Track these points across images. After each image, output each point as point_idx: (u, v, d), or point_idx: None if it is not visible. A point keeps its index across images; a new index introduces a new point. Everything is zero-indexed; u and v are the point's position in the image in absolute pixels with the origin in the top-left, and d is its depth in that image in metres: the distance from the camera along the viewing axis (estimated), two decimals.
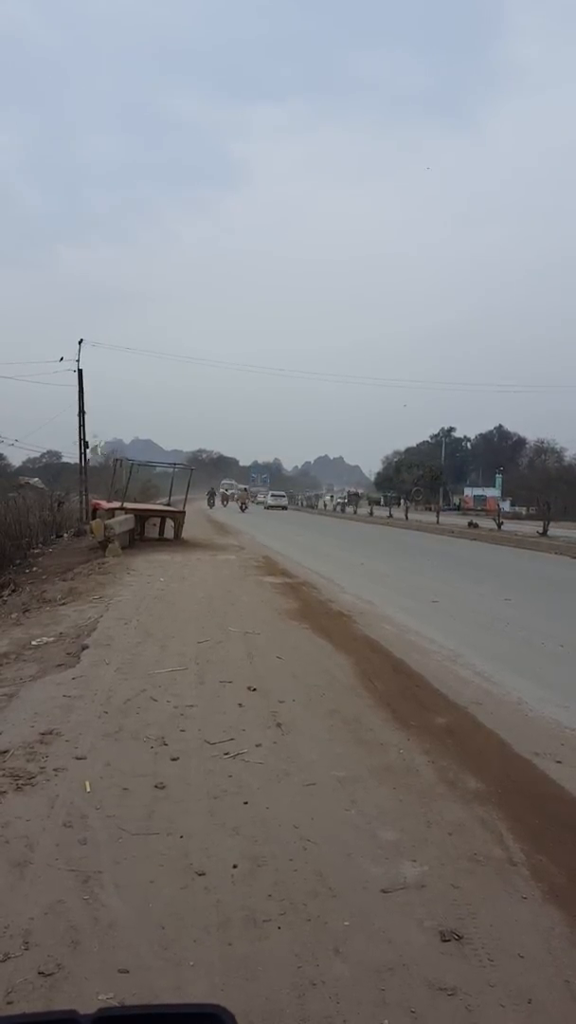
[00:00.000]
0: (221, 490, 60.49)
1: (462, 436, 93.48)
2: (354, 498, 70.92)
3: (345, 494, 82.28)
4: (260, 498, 68.02)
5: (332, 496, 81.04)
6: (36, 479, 48.44)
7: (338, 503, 69.17)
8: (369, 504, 59.22)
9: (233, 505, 52.93)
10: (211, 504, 52.16)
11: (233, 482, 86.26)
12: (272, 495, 65.53)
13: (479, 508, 58.10)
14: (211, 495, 55.09)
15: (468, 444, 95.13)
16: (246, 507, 49.81)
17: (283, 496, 65.70)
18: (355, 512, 55.04)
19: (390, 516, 44.21)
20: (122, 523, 17.56)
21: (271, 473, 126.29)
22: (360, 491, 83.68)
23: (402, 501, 61.63)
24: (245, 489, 62.69)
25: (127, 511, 19.14)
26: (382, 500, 66.96)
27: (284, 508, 58.91)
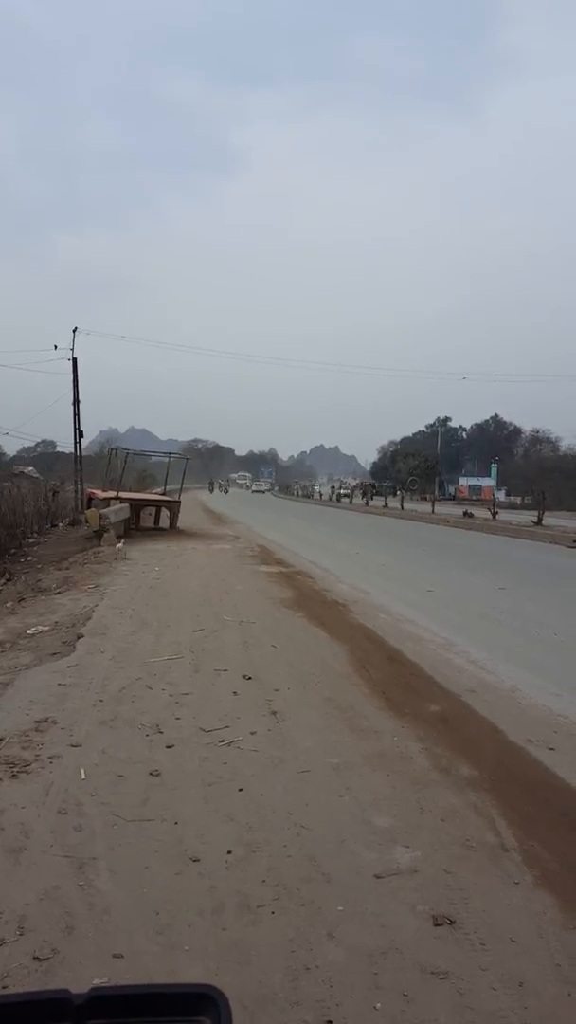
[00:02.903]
0: (219, 480, 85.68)
1: (458, 426, 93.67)
2: (370, 489, 61.19)
3: (341, 483, 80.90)
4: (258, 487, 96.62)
5: (333, 487, 77.34)
6: (31, 468, 48.25)
7: (341, 493, 64.11)
8: (364, 495, 58.53)
9: (218, 490, 77.20)
10: (211, 491, 73.44)
11: (248, 474, 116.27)
12: (255, 483, 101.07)
13: (474, 498, 58.10)
14: (211, 484, 78.42)
15: (464, 434, 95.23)
16: (228, 491, 76.26)
17: (263, 484, 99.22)
18: (350, 503, 54.60)
19: (386, 506, 44.20)
20: (117, 512, 17.56)
21: (266, 463, 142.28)
22: (372, 481, 73.77)
23: (397, 491, 60.90)
24: (227, 479, 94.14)
25: (122, 500, 19.12)
26: (369, 490, 65.06)
27: (263, 492, 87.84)
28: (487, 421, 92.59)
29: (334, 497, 62.79)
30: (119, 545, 13.84)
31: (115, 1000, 0.70)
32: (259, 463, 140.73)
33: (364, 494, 58.44)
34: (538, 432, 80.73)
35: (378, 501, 50.24)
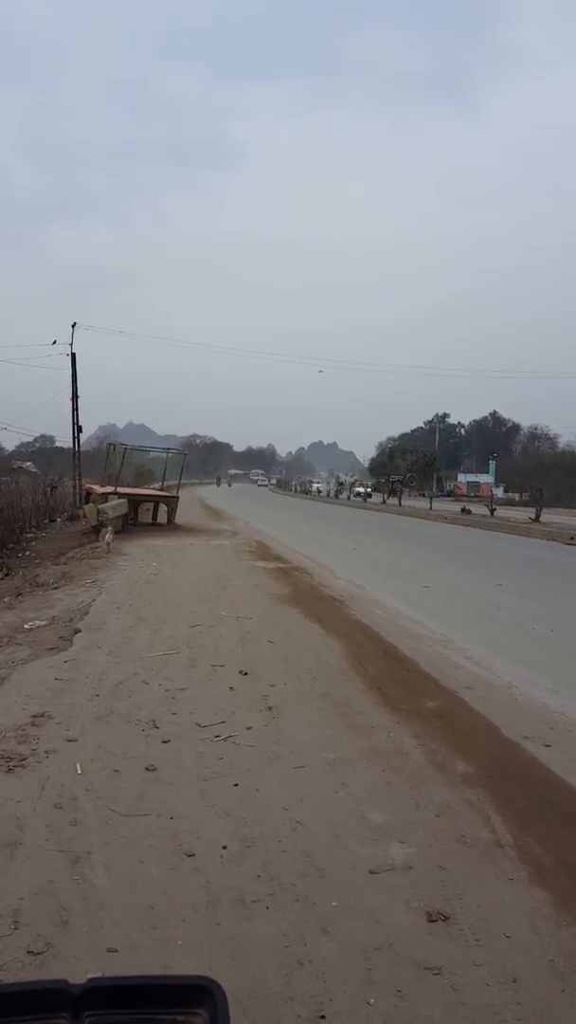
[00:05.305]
0: (225, 478, 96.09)
1: (456, 422, 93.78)
2: (398, 485, 52.79)
3: (338, 480, 78.97)
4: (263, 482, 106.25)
5: (342, 483, 71.35)
6: (29, 463, 48.26)
7: (359, 492, 57.22)
8: (391, 493, 55.97)
9: (223, 484, 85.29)
10: (218, 485, 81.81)
11: (260, 471, 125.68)
12: (260, 479, 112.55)
13: (472, 494, 57.99)
14: (218, 479, 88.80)
15: (462, 430, 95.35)
16: (231, 485, 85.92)
17: (265, 479, 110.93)
18: (364, 500, 53.20)
19: (383, 502, 44.24)
20: (115, 507, 17.53)
21: (270, 461, 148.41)
22: (399, 477, 59.86)
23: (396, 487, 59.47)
24: (230, 475, 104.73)
25: (120, 495, 19.09)
26: (398, 486, 55.47)
27: (264, 486, 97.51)
28: (486, 418, 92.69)
29: (333, 494, 60.97)
30: (108, 537, 13.84)
31: (112, 991, 0.71)
32: (258, 459, 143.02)
33: (392, 492, 50.67)
34: (536, 429, 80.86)
35: (375, 497, 49.82)
